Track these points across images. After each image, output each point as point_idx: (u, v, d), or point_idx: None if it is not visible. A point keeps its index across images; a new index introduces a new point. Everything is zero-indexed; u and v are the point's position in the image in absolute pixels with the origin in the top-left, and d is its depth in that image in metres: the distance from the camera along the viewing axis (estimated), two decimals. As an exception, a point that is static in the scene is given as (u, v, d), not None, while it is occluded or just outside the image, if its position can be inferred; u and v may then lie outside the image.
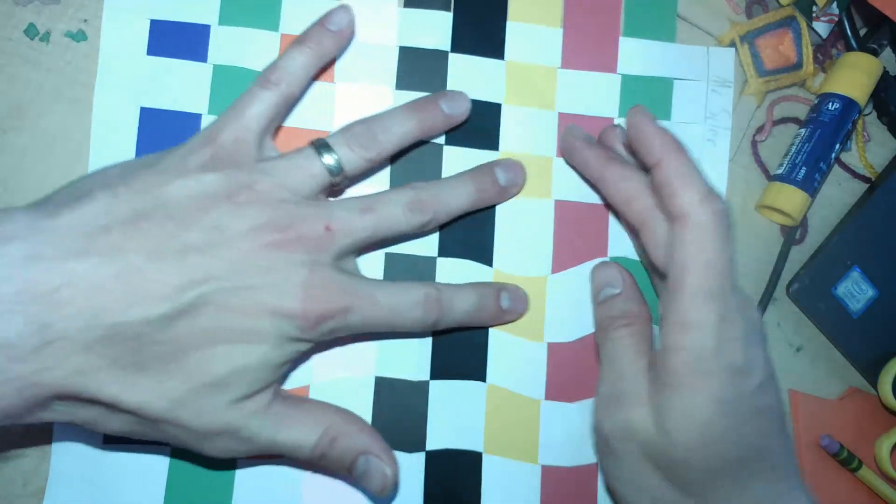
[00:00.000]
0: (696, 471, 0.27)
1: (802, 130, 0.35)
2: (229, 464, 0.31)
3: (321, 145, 0.29)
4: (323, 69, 0.32)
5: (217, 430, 0.26)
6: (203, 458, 0.29)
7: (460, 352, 0.32)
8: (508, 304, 0.32)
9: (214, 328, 0.25)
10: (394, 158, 0.33)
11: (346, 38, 0.32)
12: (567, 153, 0.33)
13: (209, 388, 0.25)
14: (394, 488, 0.29)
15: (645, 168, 0.29)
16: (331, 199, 0.30)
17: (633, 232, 0.32)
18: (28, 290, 0.22)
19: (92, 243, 0.24)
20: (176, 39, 0.32)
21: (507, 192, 0.33)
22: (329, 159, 0.28)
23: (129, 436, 0.26)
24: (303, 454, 0.28)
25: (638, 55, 0.35)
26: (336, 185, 0.29)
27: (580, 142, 0.32)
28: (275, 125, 0.30)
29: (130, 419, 0.25)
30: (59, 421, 0.25)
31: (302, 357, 0.31)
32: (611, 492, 0.31)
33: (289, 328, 0.26)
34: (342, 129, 0.29)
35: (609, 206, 0.34)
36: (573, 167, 0.34)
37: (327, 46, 0.31)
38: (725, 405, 0.26)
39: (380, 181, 0.33)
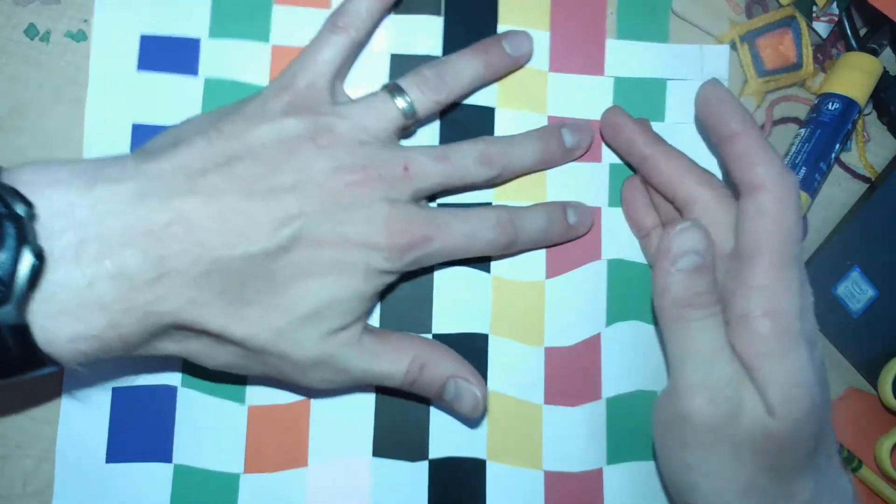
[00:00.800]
0: (796, 448, 0.26)
1: (802, 130, 0.35)
2: (233, 471, 0.31)
3: (394, 89, 0.30)
4: (388, 11, 0.32)
5: (315, 361, 0.28)
6: (206, 464, 0.30)
7: None
8: (575, 220, 0.33)
9: (308, 262, 0.27)
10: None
11: None
12: (611, 131, 0.33)
13: (307, 319, 0.27)
14: (484, 411, 0.30)
15: (714, 140, 0.29)
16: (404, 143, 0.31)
17: (679, 210, 0.31)
18: (141, 225, 0.24)
19: (193, 184, 0.25)
20: (166, 54, 0.32)
21: (572, 154, 0.33)
22: (402, 102, 0.29)
23: (233, 369, 0.28)
24: (395, 382, 0.29)
25: (630, 57, 0.34)
26: (408, 126, 0.30)
27: (627, 120, 0.33)
28: (345, 70, 0.31)
29: (237, 351, 0.27)
30: (170, 354, 0.27)
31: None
32: (681, 488, 0.29)
33: (376, 260, 0.28)
34: (413, 73, 0.30)
35: (630, 200, 0.34)
36: (612, 146, 0.34)
37: None
38: (819, 371, 0.27)
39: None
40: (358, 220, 0.27)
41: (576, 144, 0.33)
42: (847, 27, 0.36)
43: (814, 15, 0.36)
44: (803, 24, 0.36)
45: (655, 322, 0.34)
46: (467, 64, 0.31)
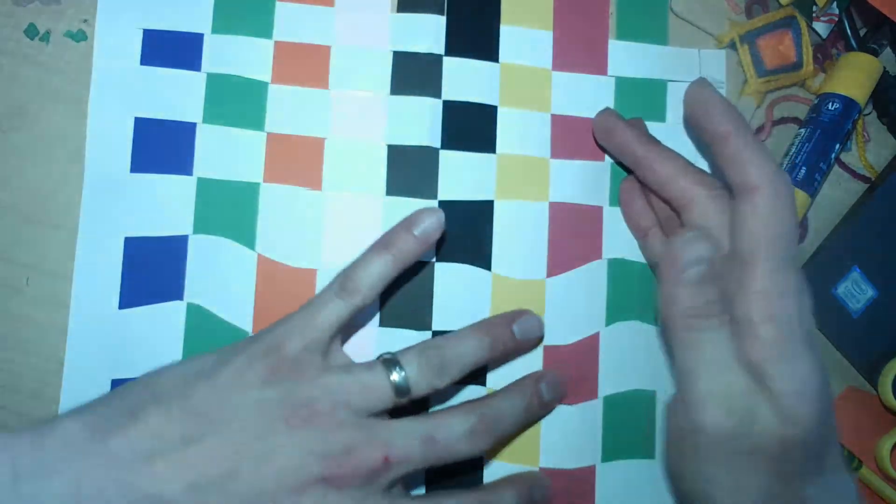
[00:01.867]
0: (809, 453, 0.26)
1: (802, 130, 0.35)
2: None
3: (392, 363, 0.27)
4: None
5: None
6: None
7: None
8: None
9: None
10: (390, 164, 0.33)
11: (429, 244, 0.29)
12: (604, 134, 0.33)
13: None
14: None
15: (705, 140, 0.29)
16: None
17: (675, 211, 0.31)
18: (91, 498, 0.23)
19: (138, 478, 0.24)
20: (169, 49, 0.32)
21: (550, 408, 0.32)
22: (396, 376, 0.27)
23: None
24: None
25: (630, 58, 0.35)
26: (398, 405, 0.27)
27: (620, 122, 0.32)
28: (343, 330, 0.29)
29: None
30: None
31: None
32: (694, 499, 0.28)
33: None
34: (415, 352, 0.28)
35: (622, 202, 0.34)
36: (606, 149, 0.34)
37: (409, 253, 0.29)
38: (823, 373, 0.26)
39: (375, 187, 0.33)
40: None
41: (553, 399, 0.32)
42: (847, 27, 0.36)
43: (814, 15, 0.36)
44: (803, 24, 0.36)
45: (655, 322, 0.34)
46: (472, 346, 0.29)
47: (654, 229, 0.33)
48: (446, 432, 0.27)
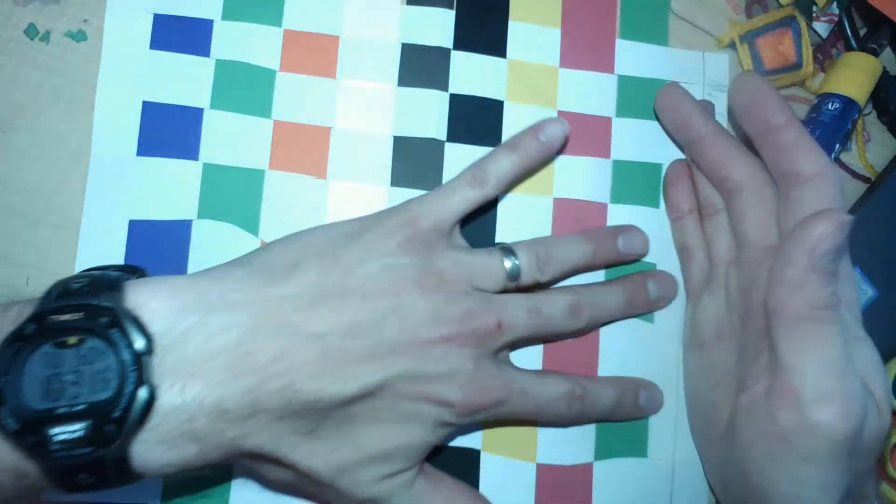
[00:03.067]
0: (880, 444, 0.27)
1: (802, 130, 0.35)
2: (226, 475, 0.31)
3: (508, 251, 0.30)
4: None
5: (366, 499, 0.28)
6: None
7: None
8: (645, 402, 0.33)
9: (386, 410, 0.27)
10: (395, 155, 0.33)
11: (553, 150, 0.32)
12: (669, 104, 0.33)
13: (371, 461, 0.27)
14: None
15: (753, 129, 0.30)
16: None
17: (723, 195, 0.32)
18: (246, 362, 0.24)
19: (302, 318, 0.26)
20: (179, 34, 0.32)
21: (656, 305, 0.34)
22: (509, 263, 0.30)
23: (287, 488, 0.30)
24: None
25: (634, 57, 0.35)
26: (506, 289, 0.30)
27: (688, 96, 0.33)
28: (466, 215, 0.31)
29: (298, 477, 0.27)
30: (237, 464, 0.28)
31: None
32: (757, 496, 0.28)
33: (447, 415, 0.28)
34: (527, 245, 0.31)
35: (674, 196, 0.34)
36: (666, 122, 0.34)
37: (534, 155, 0.31)
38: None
39: (380, 177, 0.33)
40: (441, 377, 0.28)
41: (660, 296, 0.33)
42: (847, 27, 0.36)
43: (814, 15, 0.36)
44: (803, 24, 0.36)
45: (653, 320, 0.34)
46: (578, 250, 0.32)
47: (693, 214, 0.34)
48: (550, 307, 0.30)
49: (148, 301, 0.24)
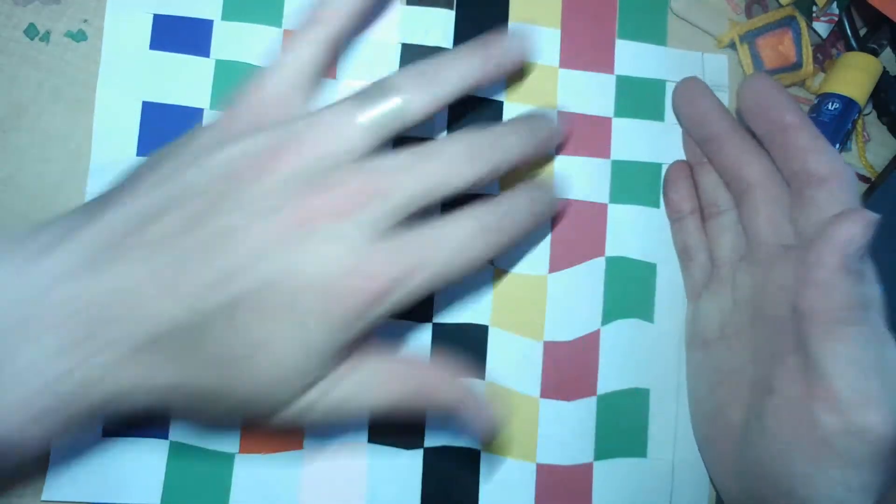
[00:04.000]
0: None
1: (802, 130, 0.35)
2: (227, 460, 0.31)
3: (374, 93, 0.25)
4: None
5: (298, 412, 0.25)
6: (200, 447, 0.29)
7: (458, 349, 0.32)
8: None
9: (259, 318, 0.23)
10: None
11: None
12: (688, 98, 0.33)
13: (274, 377, 0.24)
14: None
15: (764, 128, 0.29)
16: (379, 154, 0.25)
17: (735, 194, 0.31)
18: (81, 297, 0.22)
19: (132, 242, 0.23)
20: (179, 34, 0.32)
21: (555, 141, 0.31)
22: (383, 107, 0.24)
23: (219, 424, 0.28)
24: (392, 415, 0.27)
25: (633, 57, 0.35)
26: (388, 138, 0.25)
27: (709, 91, 0.33)
28: (325, 70, 0.27)
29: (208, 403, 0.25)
30: (141, 406, 0.24)
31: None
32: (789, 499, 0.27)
33: (338, 310, 0.24)
34: (399, 73, 0.26)
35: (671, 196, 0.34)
36: (682, 115, 0.34)
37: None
38: None
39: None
40: (316, 264, 0.23)
41: (557, 133, 0.31)
42: (847, 27, 0.36)
43: (814, 15, 0.36)
44: (803, 24, 0.36)
45: (651, 319, 0.34)
46: (462, 65, 0.26)
47: (694, 214, 0.33)
48: (438, 155, 0.25)
49: None
